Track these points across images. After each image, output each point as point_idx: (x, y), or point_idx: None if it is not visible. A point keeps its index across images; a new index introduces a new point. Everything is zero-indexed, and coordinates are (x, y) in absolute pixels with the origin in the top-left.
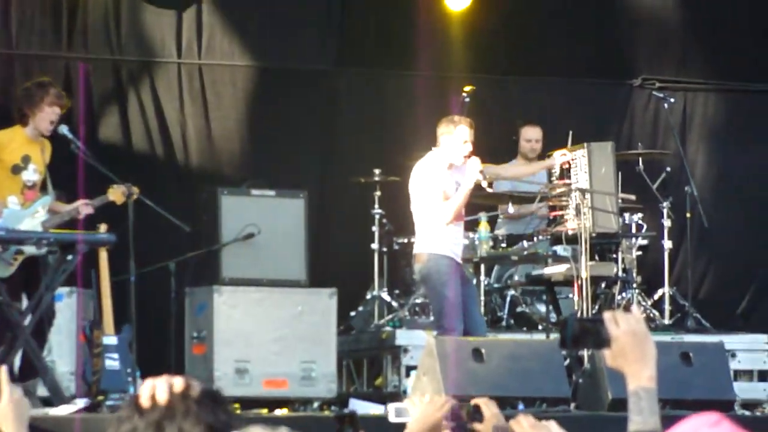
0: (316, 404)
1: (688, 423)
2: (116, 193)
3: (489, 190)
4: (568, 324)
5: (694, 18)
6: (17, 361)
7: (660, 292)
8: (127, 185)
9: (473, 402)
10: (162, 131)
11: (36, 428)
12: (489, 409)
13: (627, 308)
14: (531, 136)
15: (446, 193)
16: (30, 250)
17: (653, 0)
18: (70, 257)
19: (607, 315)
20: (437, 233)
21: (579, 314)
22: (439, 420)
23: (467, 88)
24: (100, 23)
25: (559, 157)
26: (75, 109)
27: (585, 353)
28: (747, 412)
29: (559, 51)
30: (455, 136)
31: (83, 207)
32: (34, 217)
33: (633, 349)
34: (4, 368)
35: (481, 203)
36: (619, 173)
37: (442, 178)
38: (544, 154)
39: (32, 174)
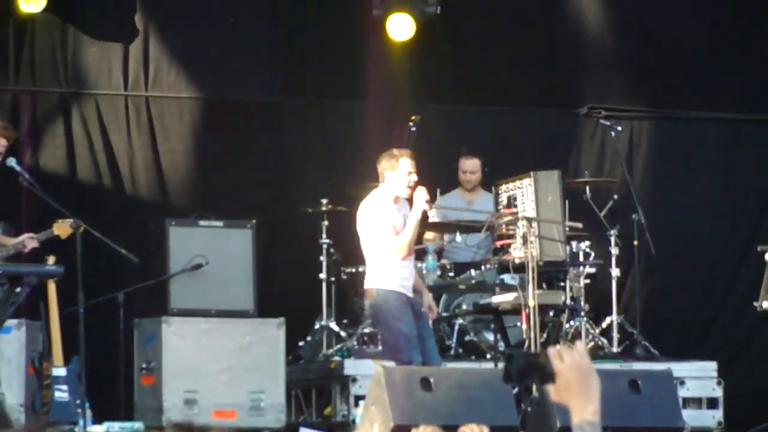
0: None
1: None
2: (62, 228)
3: (436, 219)
4: (512, 358)
5: (639, 47)
6: None
7: (608, 320)
8: (74, 221)
9: None
10: (110, 163)
11: None
12: None
13: (574, 339)
14: (467, 167)
15: (396, 229)
16: None
17: (599, 29)
18: (18, 290)
19: (551, 350)
20: (387, 269)
21: (524, 349)
22: None
23: (414, 118)
24: (47, 56)
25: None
26: (21, 141)
27: None
28: None
29: (505, 80)
30: (399, 169)
31: (29, 241)
32: None
33: (577, 383)
34: None
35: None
36: (567, 202)
37: (390, 214)
38: (489, 183)
39: None
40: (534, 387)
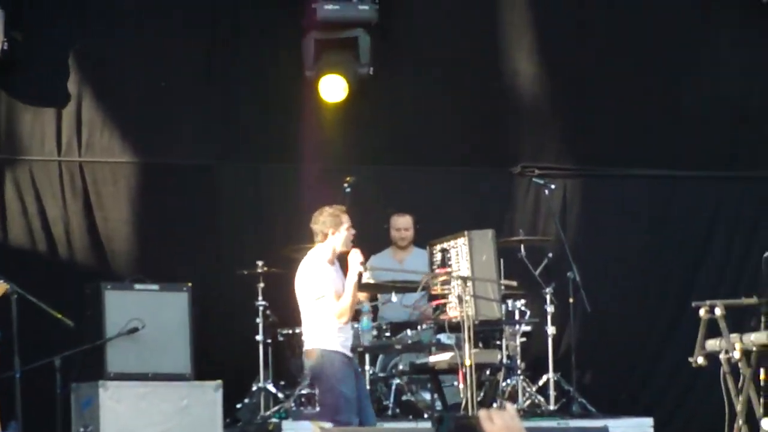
0: None
1: None
2: None
3: (371, 281)
4: (443, 422)
5: (571, 106)
6: None
7: (545, 377)
8: (8, 283)
9: None
10: (44, 228)
11: None
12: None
13: (511, 397)
14: (400, 225)
15: (337, 292)
16: None
17: (530, 89)
18: None
19: (482, 413)
20: (328, 330)
21: (460, 410)
22: None
23: (348, 179)
24: None
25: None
26: None
27: None
28: None
29: (438, 140)
30: (343, 226)
31: None
32: None
33: None
34: None
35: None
36: (501, 260)
37: (331, 276)
38: (422, 242)
39: None
40: None
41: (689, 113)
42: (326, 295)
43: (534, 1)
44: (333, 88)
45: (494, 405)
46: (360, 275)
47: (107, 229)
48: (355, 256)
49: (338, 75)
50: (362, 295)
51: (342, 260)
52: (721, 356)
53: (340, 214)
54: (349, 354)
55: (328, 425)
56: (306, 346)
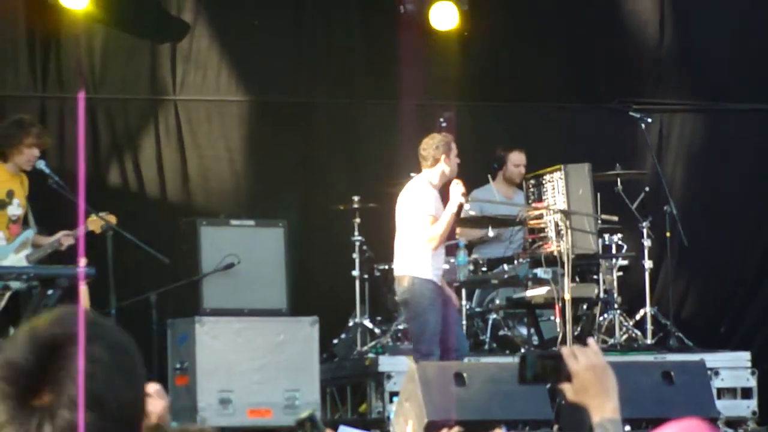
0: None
1: (668, 428)
2: (95, 223)
3: (471, 213)
4: (527, 361)
5: (666, 40)
6: None
7: (642, 312)
8: (103, 213)
9: None
10: (137, 166)
11: None
12: None
13: (608, 331)
14: (519, 161)
15: (435, 218)
16: (16, 285)
17: (628, 23)
18: (50, 291)
19: (565, 350)
20: (421, 256)
21: (544, 348)
22: None
23: (444, 114)
24: (72, 62)
25: (457, 191)
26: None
27: None
28: (731, 430)
29: (534, 76)
30: (453, 153)
31: (64, 238)
32: (18, 251)
33: (594, 382)
34: None
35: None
36: (598, 194)
37: (434, 201)
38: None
39: (16, 208)
40: None
41: None
42: (423, 216)
43: None
44: (444, 16)
45: (592, 339)
46: (461, 206)
47: (202, 167)
48: (457, 187)
49: (450, 1)
50: (466, 231)
51: (444, 196)
52: None
53: (451, 141)
54: (439, 282)
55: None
56: (396, 272)
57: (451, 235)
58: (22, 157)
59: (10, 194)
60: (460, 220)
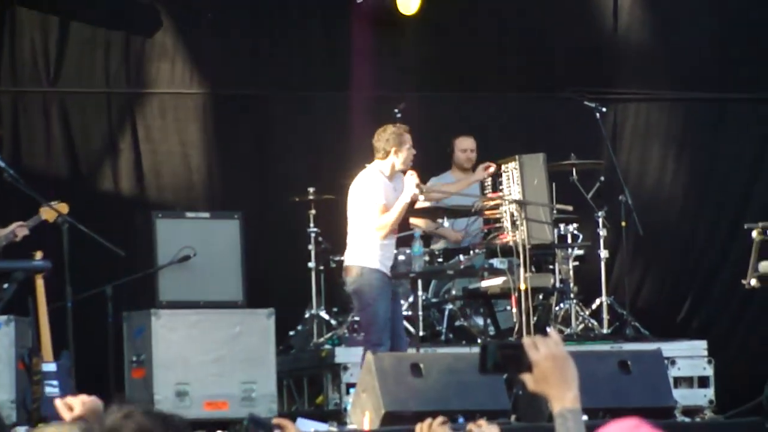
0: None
1: (607, 429)
2: (48, 212)
3: (425, 204)
4: (488, 351)
5: (620, 29)
6: None
7: (598, 301)
8: (54, 202)
9: None
10: (91, 159)
11: None
12: None
13: (564, 321)
14: (466, 146)
15: (386, 207)
16: None
17: (582, 12)
18: (6, 285)
19: (526, 340)
20: (370, 246)
21: (501, 338)
22: None
23: (399, 105)
24: (29, 55)
25: (482, 170)
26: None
27: None
28: (687, 419)
29: (487, 66)
30: (406, 144)
31: (19, 229)
32: None
33: (554, 372)
34: None
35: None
36: (553, 184)
37: (385, 190)
38: (476, 167)
39: None
40: None
41: (746, 36)
42: (373, 208)
43: None
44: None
45: (547, 329)
46: (415, 197)
47: (154, 161)
48: (411, 179)
49: None
50: (419, 222)
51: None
52: None
53: (404, 132)
54: (388, 273)
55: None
56: (346, 262)
57: (405, 225)
58: None
59: None
60: (415, 211)
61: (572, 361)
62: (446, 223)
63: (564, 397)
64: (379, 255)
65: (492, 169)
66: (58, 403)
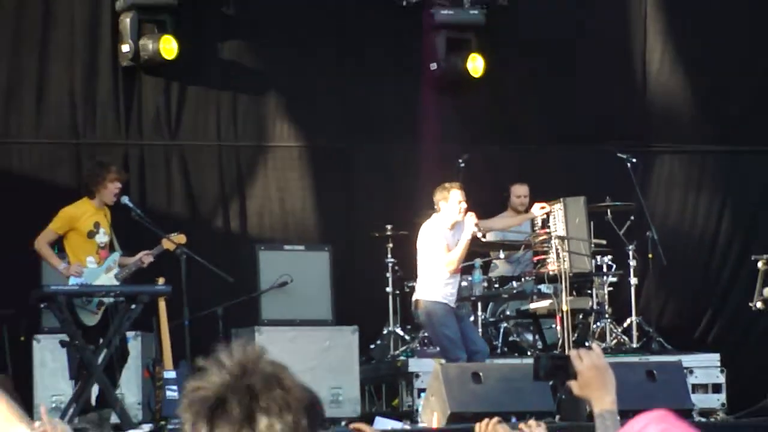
0: (343, 423)
1: (637, 420)
2: (168, 243)
3: (483, 239)
4: (540, 361)
5: (649, 90)
6: (94, 393)
7: (628, 320)
8: (173, 234)
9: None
10: (205, 202)
11: None
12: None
13: (600, 338)
14: (520, 192)
15: (449, 247)
16: (107, 300)
17: (614, 78)
18: (134, 306)
19: (572, 352)
20: (435, 283)
21: (556, 349)
22: None
23: (463, 156)
24: (152, 112)
25: (537, 209)
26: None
27: None
28: (703, 419)
29: (539, 123)
30: (451, 199)
31: (145, 257)
32: (108, 272)
33: (596, 380)
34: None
35: (477, 250)
36: (592, 222)
37: (445, 235)
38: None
39: (103, 236)
40: None
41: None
42: (439, 249)
43: None
44: (475, 67)
45: (586, 344)
46: (474, 235)
47: (258, 204)
48: (470, 219)
49: (479, 55)
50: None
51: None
52: None
53: (450, 188)
54: (452, 305)
55: (445, 361)
56: (414, 297)
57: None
58: (106, 192)
59: (97, 225)
60: (478, 245)
61: (611, 370)
62: (502, 255)
63: (604, 400)
64: (443, 289)
65: (546, 210)
66: None
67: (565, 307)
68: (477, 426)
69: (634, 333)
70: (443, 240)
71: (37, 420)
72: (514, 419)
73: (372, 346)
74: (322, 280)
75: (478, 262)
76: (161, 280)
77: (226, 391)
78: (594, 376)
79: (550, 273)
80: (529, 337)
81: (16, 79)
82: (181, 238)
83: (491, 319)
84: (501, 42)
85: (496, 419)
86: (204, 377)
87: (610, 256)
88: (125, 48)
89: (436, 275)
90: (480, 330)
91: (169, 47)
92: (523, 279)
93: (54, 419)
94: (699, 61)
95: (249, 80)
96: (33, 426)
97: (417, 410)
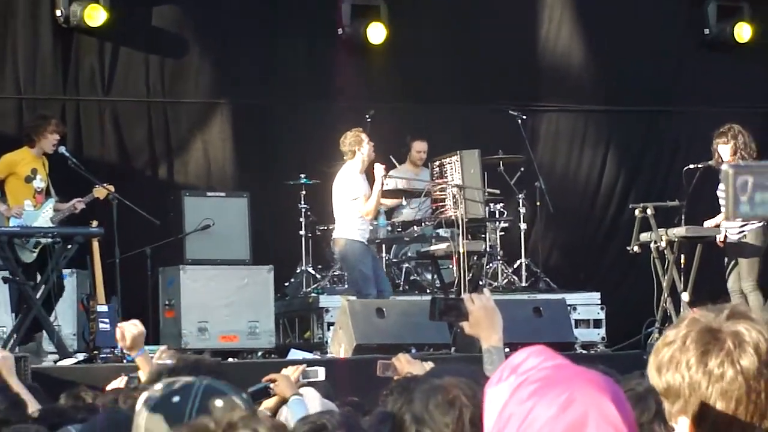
0: (260, 353)
1: (518, 353)
2: (100, 191)
3: (389, 187)
4: (436, 303)
5: (540, 52)
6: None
7: (518, 262)
8: (105, 184)
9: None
10: (132, 151)
11: (47, 376)
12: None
13: (493, 277)
14: (420, 148)
15: (365, 197)
16: (44, 240)
17: (509, 38)
18: (69, 246)
19: (465, 296)
20: (353, 223)
21: (443, 294)
22: None
23: (369, 113)
24: (88, 70)
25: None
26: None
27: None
28: (584, 351)
29: (436, 83)
30: (365, 142)
31: (78, 204)
32: (44, 215)
33: (485, 320)
34: None
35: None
36: (485, 173)
37: (362, 184)
38: (428, 161)
39: (39, 182)
40: None
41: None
42: (359, 198)
43: None
44: (376, 35)
45: (480, 283)
46: (382, 184)
47: (184, 154)
48: (379, 170)
49: (380, 23)
50: (386, 201)
51: (368, 175)
52: (652, 245)
53: (360, 133)
54: (366, 243)
55: (352, 298)
56: (334, 236)
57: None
58: (46, 141)
59: (34, 171)
60: (383, 192)
61: (499, 312)
62: (404, 201)
63: (491, 338)
64: (360, 229)
65: (384, 172)
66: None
67: (461, 250)
68: (395, 359)
69: (523, 273)
70: (361, 189)
71: None
72: (413, 350)
73: (286, 284)
74: (241, 223)
75: (382, 208)
76: (95, 223)
77: None
78: (483, 316)
79: (448, 218)
80: (429, 276)
81: None
82: (111, 187)
83: (394, 260)
84: (405, 8)
85: (407, 355)
86: None
87: (501, 204)
88: (58, 12)
89: (353, 216)
90: (384, 270)
91: (95, 14)
92: (423, 224)
93: None
94: (591, 29)
95: (175, 43)
96: None
97: (326, 342)
